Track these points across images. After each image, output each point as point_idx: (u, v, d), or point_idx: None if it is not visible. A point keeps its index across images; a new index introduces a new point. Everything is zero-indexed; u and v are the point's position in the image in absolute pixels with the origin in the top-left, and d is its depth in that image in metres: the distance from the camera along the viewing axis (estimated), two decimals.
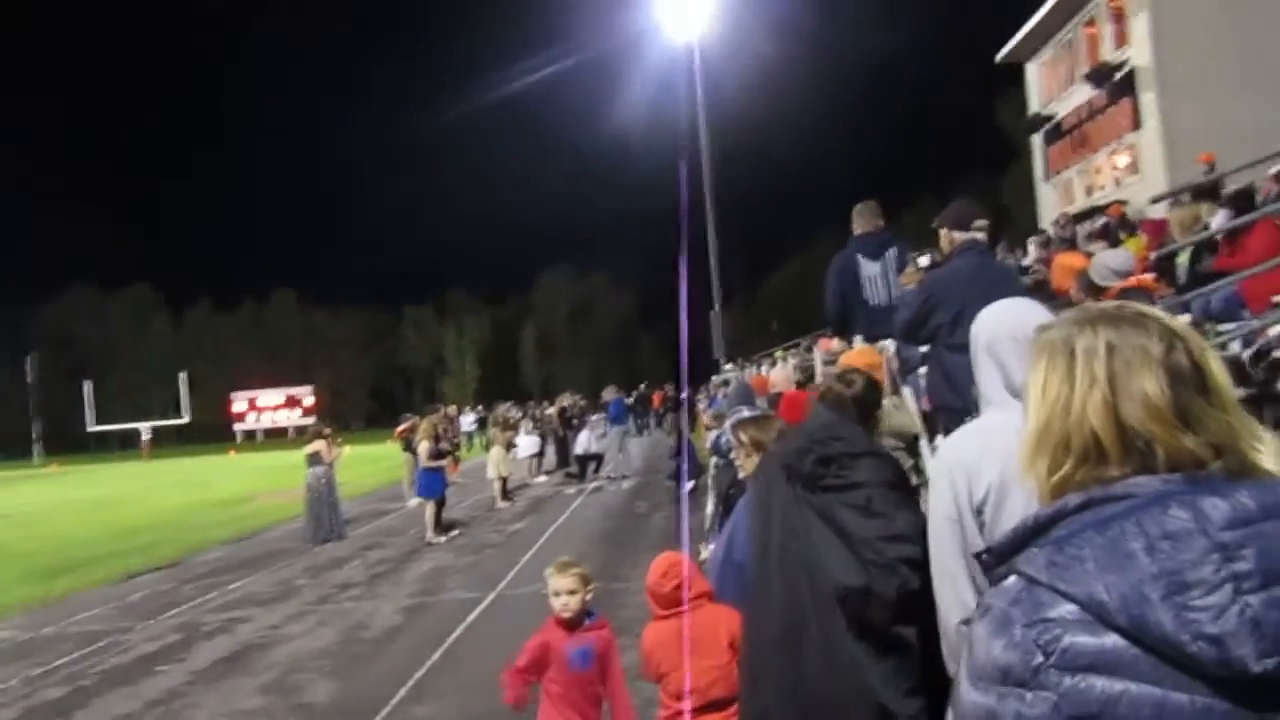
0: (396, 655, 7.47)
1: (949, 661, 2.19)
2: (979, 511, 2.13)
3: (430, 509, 13.44)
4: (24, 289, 76.97)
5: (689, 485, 15.76)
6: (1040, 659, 1.02)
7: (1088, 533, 1.06)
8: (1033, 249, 12.11)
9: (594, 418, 21.38)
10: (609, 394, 21.25)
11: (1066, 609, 1.03)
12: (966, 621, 2.09)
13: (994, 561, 1.16)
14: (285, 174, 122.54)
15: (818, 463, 2.61)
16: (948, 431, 2.42)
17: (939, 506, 2.19)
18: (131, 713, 6.57)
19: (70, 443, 70.24)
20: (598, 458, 19.96)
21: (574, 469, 20.21)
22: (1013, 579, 1.10)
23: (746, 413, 4.42)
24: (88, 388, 67.90)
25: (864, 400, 2.96)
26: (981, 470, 2.14)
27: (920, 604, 2.29)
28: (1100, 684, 1.00)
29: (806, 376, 7.56)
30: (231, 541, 14.98)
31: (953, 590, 2.15)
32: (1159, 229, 9.77)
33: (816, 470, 2.60)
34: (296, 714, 6.25)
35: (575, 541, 12.22)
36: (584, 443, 19.87)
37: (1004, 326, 2.26)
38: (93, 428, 68.47)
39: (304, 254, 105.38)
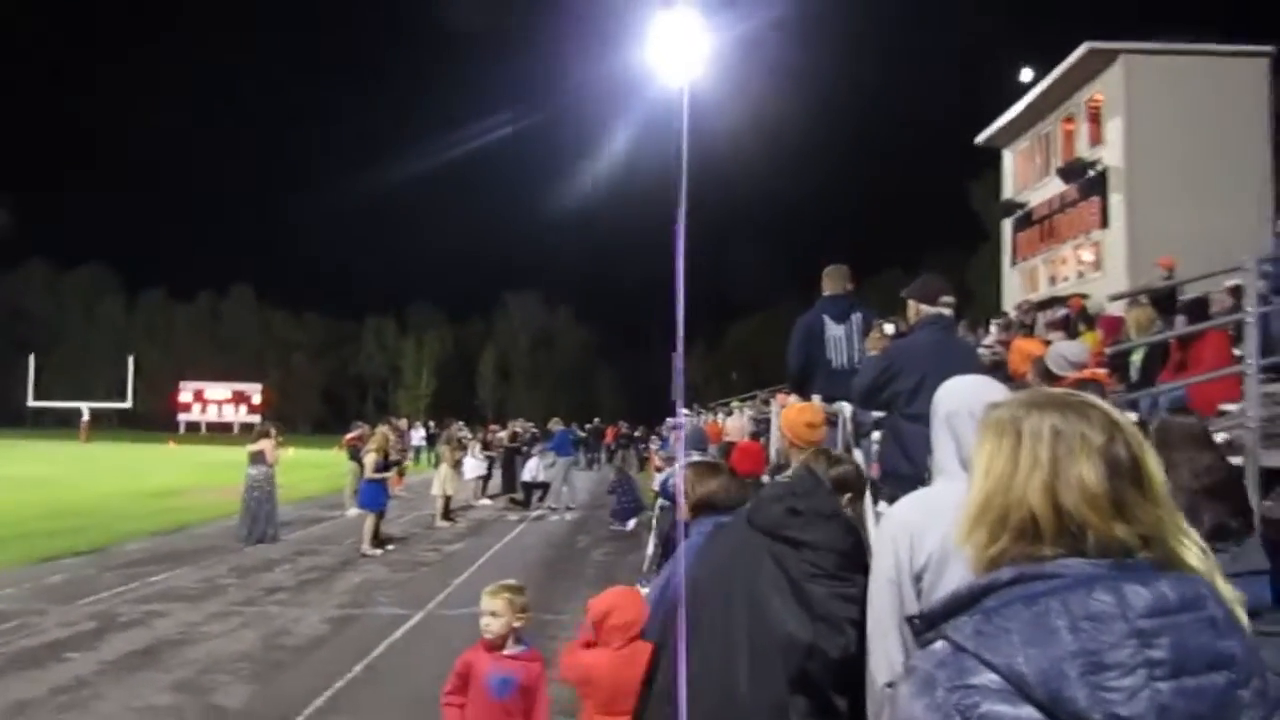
0: (317, 665, 7.31)
1: (869, 708, 2.22)
2: (918, 578, 2.16)
3: (370, 521, 13.27)
4: None
5: (630, 524, 15.86)
6: None
7: (1016, 606, 1.10)
8: (994, 330, 12.36)
9: (543, 446, 21.30)
10: (555, 424, 21.24)
11: (989, 678, 1.06)
12: (892, 684, 2.12)
13: (924, 626, 1.19)
14: (257, 173, 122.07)
15: (788, 513, 2.61)
16: (893, 499, 2.45)
17: (880, 568, 2.23)
18: (34, 699, 6.35)
19: (8, 417, 68.52)
20: (544, 486, 19.91)
21: (519, 495, 20.10)
22: (940, 644, 1.13)
23: (697, 457, 4.43)
24: (31, 362, 66.24)
25: (848, 483, 3.02)
26: (925, 538, 2.18)
27: (859, 671, 2.30)
28: None
29: (761, 428, 7.61)
30: (161, 533, 14.63)
31: (884, 650, 2.18)
32: (1115, 325, 10.03)
33: (784, 520, 2.61)
34: (207, 715, 6.08)
35: (513, 568, 12.10)
36: (532, 470, 19.87)
37: (964, 401, 2.31)
38: (32, 403, 66.86)
39: (267, 254, 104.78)
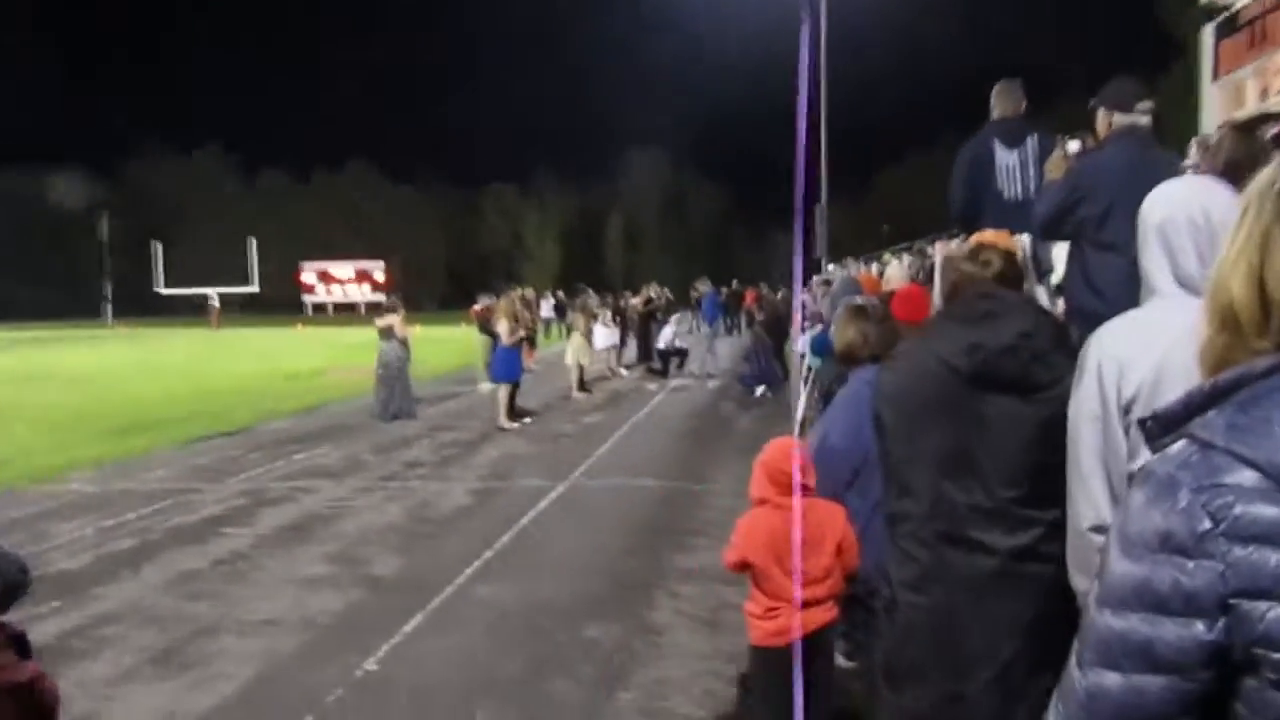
0: (465, 535, 7.72)
1: (1072, 570, 2.15)
2: (1126, 411, 2.04)
3: (503, 393, 13.72)
4: (100, 146, 79.82)
5: (759, 390, 16.03)
6: (1208, 525, 0.98)
7: (1277, 396, 1.01)
8: (1193, 151, 11.46)
9: (678, 314, 21.56)
10: (703, 286, 21.30)
11: (1245, 475, 0.98)
12: (1098, 529, 2.04)
13: (1159, 429, 1.10)
14: (371, 45, 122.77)
15: (1034, 362, 2.48)
16: (1082, 339, 2.30)
17: (1083, 404, 2.11)
18: (198, 569, 6.96)
19: (139, 305, 73.18)
20: (681, 353, 20.20)
21: (656, 364, 20.44)
22: (1181, 444, 1.05)
23: (859, 300, 4.31)
24: (158, 249, 70.14)
25: (1007, 278, 2.83)
26: (1134, 366, 2.04)
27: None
28: (1276, 558, 0.95)
29: (925, 276, 7.35)
30: (300, 413, 15.56)
31: (1086, 494, 2.09)
32: None
33: (1033, 373, 2.47)
34: (361, 584, 6.54)
35: (654, 438, 12.40)
36: (667, 337, 20.16)
37: (1181, 206, 2.11)
38: (161, 289, 70.93)
39: (385, 126, 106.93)
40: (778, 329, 18.32)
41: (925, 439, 2.55)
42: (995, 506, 2.44)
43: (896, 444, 2.64)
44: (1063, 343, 2.53)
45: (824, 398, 5.88)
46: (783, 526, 3.31)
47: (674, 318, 21.80)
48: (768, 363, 16.76)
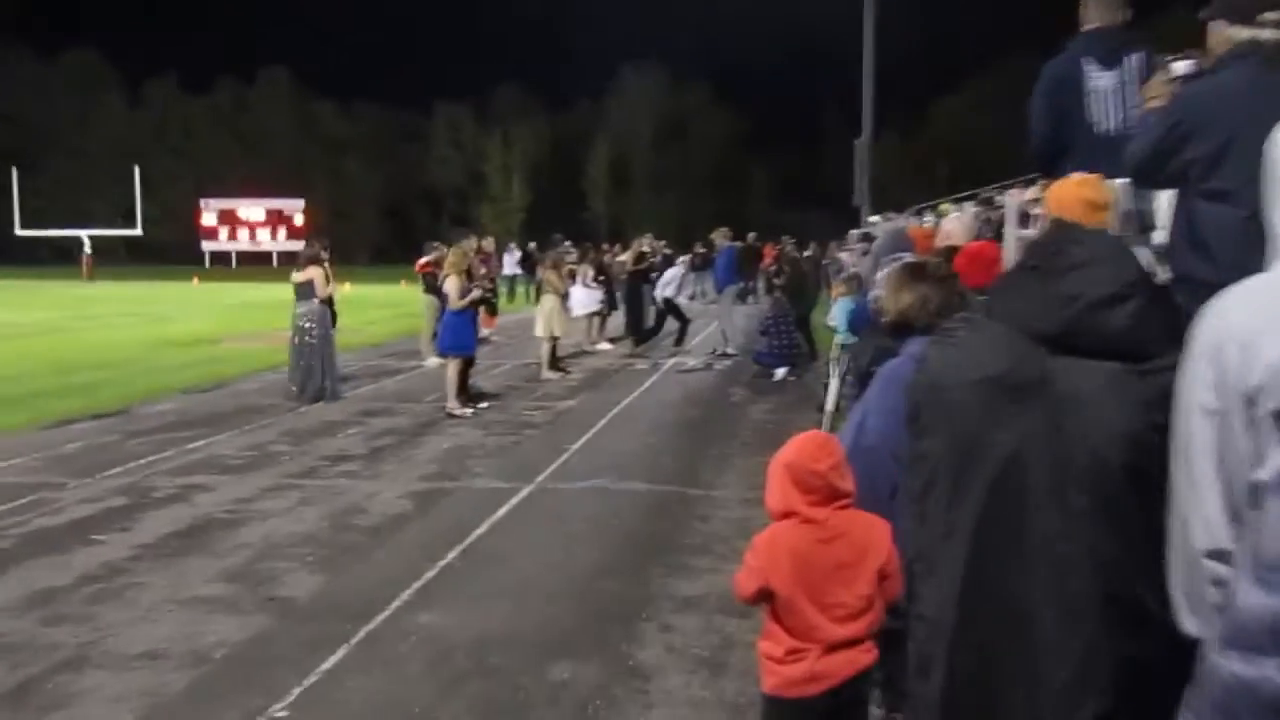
0: (401, 549, 7.72)
1: (1178, 605, 2.13)
2: (1251, 402, 2.02)
3: (453, 370, 13.69)
4: None
5: (780, 372, 16.10)
6: None
7: None
8: None
9: (682, 271, 21.63)
10: (720, 238, 21.27)
11: None
12: (1217, 555, 2.00)
13: None
14: None
15: (1144, 320, 2.45)
16: (1189, 313, 2.27)
17: (1194, 394, 2.08)
18: (61, 587, 6.94)
19: None
20: (681, 318, 20.45)
21: (649, 326, 20.86)
22: None
23: (909, 257, 4.31)
24: (13, 179, 69.00)
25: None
26: (1261, 346, 2.01)
27: None
28: None
29: (995, 231, 7.33)
30: (195, 390, 15.54)
31: (1198, 508, 2.05)
32: None
33: (1144, 333, 2.45)
34: (269, 609, 6.53)
35: (645, 431, 12.42)
36: (670, 285, 20.61)
37: None
38: (20, 232, 70.10)
39: (307, 28, 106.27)
40: (804, 295, 18.33)
41: (984, 438, 2.54)
42: (1073, 523, 2.43)
43: (937, 446, 2.64)
44: (1168, 308, 2.53)
45: (860, 381, 5.88)
46: (813, 546, 3.30)
47: (677, 266, 21.89)
48: (791, 337, 16.78)
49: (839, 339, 11.83)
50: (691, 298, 22.31)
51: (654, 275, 22.36)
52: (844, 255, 23.93)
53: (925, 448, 2.71)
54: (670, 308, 20.81)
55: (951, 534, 2.61)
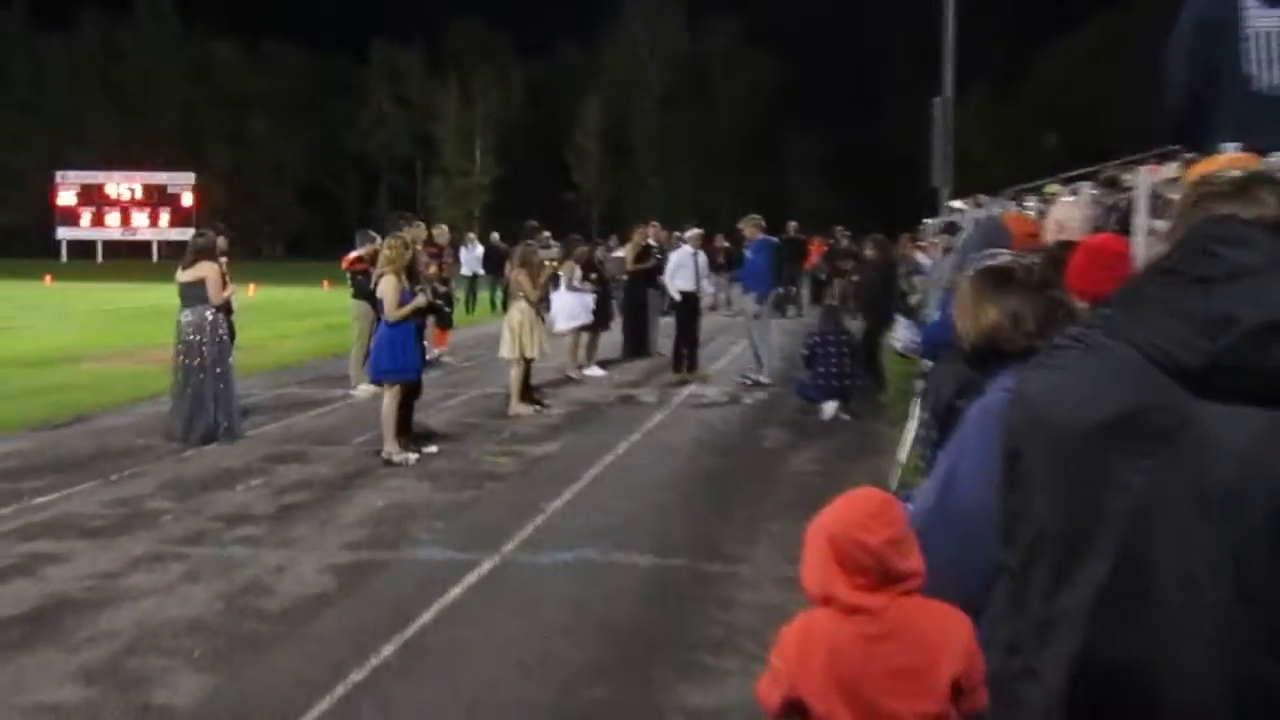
0: (319, 643, 7.69)
1: None
2: None
3: (392, 400, 13.65)
4: None
5: (829, 407, 16.07)
6: None
7: None
8: None
9: (685, 251, 21.62)
10: (750, 229, 21.17)
11: None
12: None
13: None
14: None
15: None
16: None
17: None
18: None
19: None
20: (686, 323, 20.47)
21: (655, 349, 20.76)
22: None
23: (1003, 256, 4.29)
24: None
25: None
26: None
27: None
28: None
29: (1118, 221, 7.30)
30: (45, 426, 15.52)
31: None
32: None
33: None
34: (140, 718, 6.49)
35: (648, 485, 12.42)
36: (681, 275, 20.64)
37: None
38: None
39: None
40: (873, 305, 18.33)
41: (1101, 498, 2.50)
42: (1212, 607, 2.40)
43: (1040, 506, 2.61)
44: None
45: (939, 422, 5.85)
46: (859, 644, 3.25)
47: (682, 248, 21.88)
48: (844, 362, 16.73)
49: (919, 365, 11.84)
50: (713, 307, 22.28)
51: (661, 276, 22.39)
52: (919, 255, 23.99)
53: (1023, 507, 2.68)
54: (685, 310, 20.87)
55: (1058, 621, 2.57)
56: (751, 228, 21.04)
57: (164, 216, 75.58)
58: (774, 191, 78.02)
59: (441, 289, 18.98)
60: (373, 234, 18.84)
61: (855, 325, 18.25)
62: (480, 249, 36.79)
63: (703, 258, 22.05)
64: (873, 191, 79.33)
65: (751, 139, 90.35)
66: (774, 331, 21.80)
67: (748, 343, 20.71)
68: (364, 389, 17.09)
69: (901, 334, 13.39)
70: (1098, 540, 2.51)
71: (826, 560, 3.31)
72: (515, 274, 17.90)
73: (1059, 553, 2.59)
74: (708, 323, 22.88)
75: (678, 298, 21.02)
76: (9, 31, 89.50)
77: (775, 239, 22.34)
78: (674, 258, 21.63)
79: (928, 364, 11.02)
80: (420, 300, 14.02)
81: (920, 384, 11.82)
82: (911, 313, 14.65)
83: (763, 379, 19.53)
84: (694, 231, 22.61)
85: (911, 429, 11.26)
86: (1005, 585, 2.77)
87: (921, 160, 27.67)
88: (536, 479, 12.71)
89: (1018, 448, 2.68)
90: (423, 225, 20.32)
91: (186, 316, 14.52)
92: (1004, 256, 4.57)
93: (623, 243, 27.90)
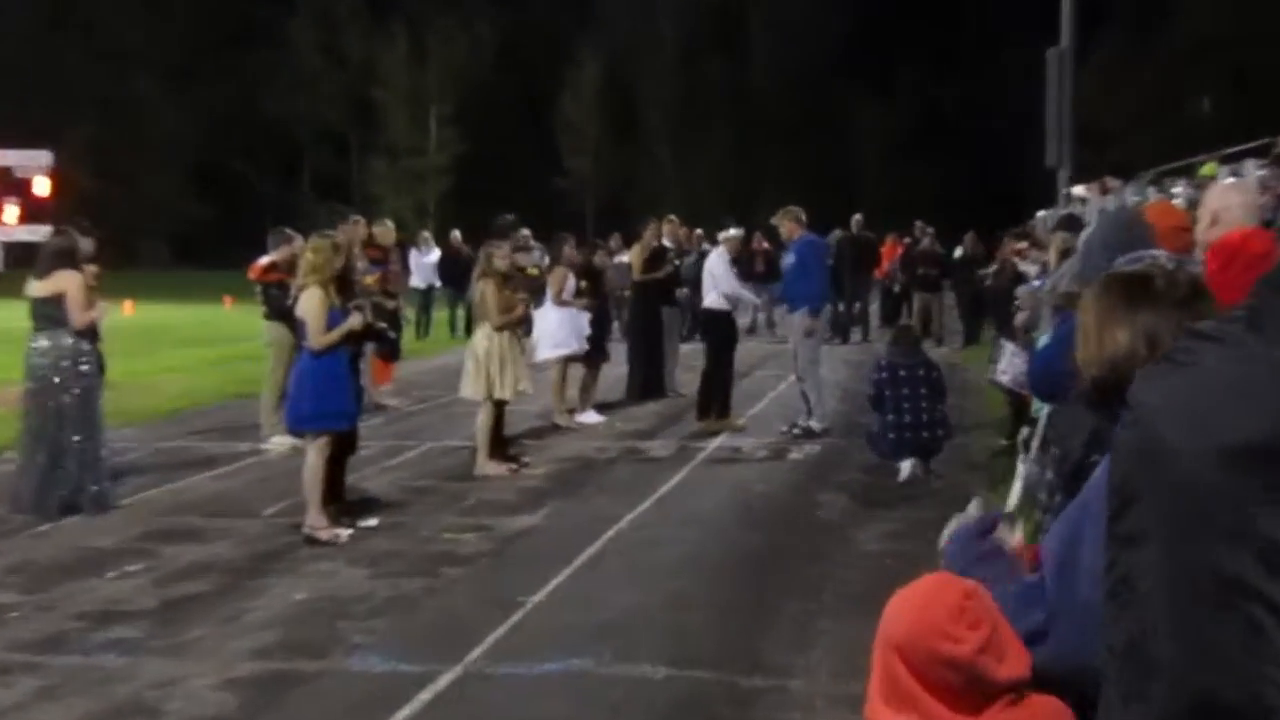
0: None
1: None
2: None
3: (318, 456, 13.61)
4: None
5: (906, 466, 16.02)
6: None
7: None
8: None
9: (721, 256, 21.47)
10: (787, 224, 21.08)
11: None
12: None
13: None
14: None
15: None
16: None
17: None
18: None
19: None
20: (718, 367, 20.37)
21: (676, 387, 20.69)
22: None
23: (1143, 260, 4.28)
24: None
25: None
26: None
27: None
28: None
29: None
30: None
31: None
32: None
33: None
34: None
35: (662, 570, 12.40)
36: (724, 289, 20.50)
37: None
38: None
39: None
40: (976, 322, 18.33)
41: (1235, 543, 2.47)
42: None
43: (1152, 555, 2.58)
44: None
45: (1067, 484, 5.84)
46: None
47: (717, 251, 21.71)
48: (926, 402, 16.66)
49: (1035, 406, 11.75)
50: (751, 329, 22.19)
51: (680, 290, 22.39)
52: (1028, 265, 23.75)
53: (1134, 568, 2.64)
54: (718, 335, 20.78)
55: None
56: (790, 223, 20.90)
57: (9, 210, 75.61)
58: (831, 176, 78.16)
59: (388, 305, 18.89)
60: (291, 233, 18.81)
61: (941, 352, 18.17)
62: (437, 253, 36.87)
63: (725, 259, 21.51)
64: (965, 175, 79.52)
65: (800, 106, 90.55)
66: (825, 362, 21.77)
67: (795, 378, 20.71)
68: (279, 441, 17.08)
69: (1008, 363, 13.27)
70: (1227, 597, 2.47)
71: (898, 676, 3.30)
72: (484, 284, 17.78)
73: (1178, 609, 2.55)
74: (744, 350, 22.77)
75: (701, 318, 20.87)
76: None
77: (823, 238, 22.37)
78: (714, 261, 21.31)
79: (1041, 405, 10.99)
80: (355, 322, 13.96)
81: (1026, 431, 11.74)
82: (1018, 336, 14.50)
83: (815, 426, 19.55)
84: (731, 233, 22.09)
85: (1016, 491, 11.15)
86: (1111, 674, 2.72)
87: (1031, 133, 27.76)
88: (512, 562, 12.72)
89: (1128, 484, 2.63)
90: (361, 221, 20.30)
91: (40, 344, 14.44)
92: (1143, 259, 4.55)
93: (628, 244, 27.80)
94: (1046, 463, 7.19)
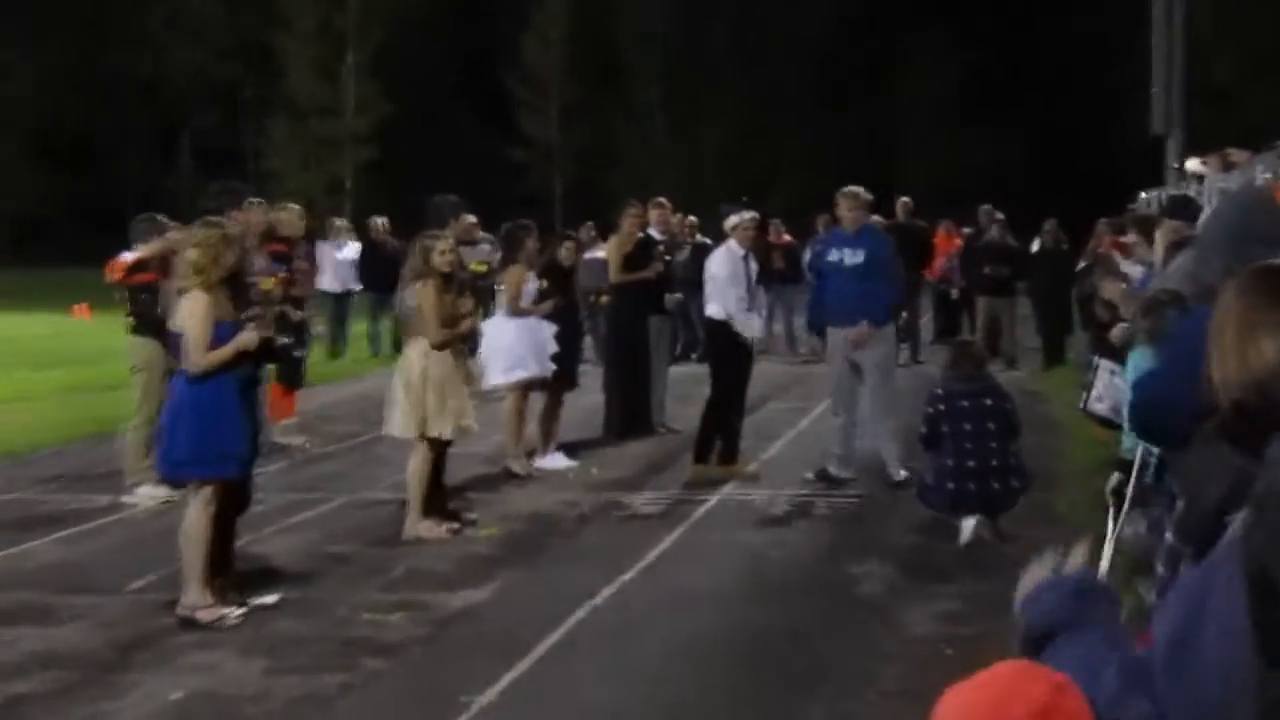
0: None
1: None
2: None
3: (200, 512, 13.62)
4: None
5: (968, 526, 16.00)
6: None
7: None
8: None
9: (730, 255, 21.41)
10: (849, 210, 21.04)
11: None
12: None
13: None
14: None
15: None
16: None
17: None
18: None
19: None
20: (727, 399, 20.34)
21: (665, 422, 20.70)
22: None
23: None
24: None
25: None
26: None
27: None
28: None
29: None
30: None
31: None
32: None
33: None
34: None
35: (650, 661, 12.41)
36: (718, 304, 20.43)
37: None
38: None
39: None
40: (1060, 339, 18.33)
41: None
42: None
43: None
44: None
45: (1197, 543, 5.90)
46: None
47: (721, 252, 21.63)
48: (994, 443, 16.68)
49: (1125, 446, 11.76)
50: (761, 348, 22.16)
51: (672, 295, 22.44)
52: (1132, 266, 23.57)
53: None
54: (726, 356, 20.74)
55: None
56: (854, 208, 20.72)
57: None
58: (869, 150, 78.36)
59: (293, 315, 18.88)
60: (165, 220, 18.77)
61: (1015, 377, 18.08)
62: (356, 246, 36.95)
63: (733, 257, 21.31)
64: (1042, 147, 79.67)
65: (833, 55, 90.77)
66: (856, 391, 21.75)
67: (834, 413, 20.73)
68: (149, 493, 17.09)
69: (1105, 388, 13.20)
70: None
71: None
72: (416, 290, 17.79)
73: None
74: (757, 374, 22.74)
75: (744, 328, 20.84)
76: None
77: (875, 221, 22.35)
78: (717, 263, 21.05)
79: (1134, 444, 10.98)
80: (249, 338, 13.98)
81: (1116, 478, 11.68)
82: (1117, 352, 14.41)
83: (845, 473, 19.57)
84: (745, 217, 21.78)
85: (1107, 557, 11.12)
86: None
87: (1130, 90, 27.82)
88: (453, 652, 12.75)
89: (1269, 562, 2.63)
90: (258, 205, 20.23)
91: None
92: None
93: (604, 236, 27.80)
94: (1153, 522, 7.23)
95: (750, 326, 20.60)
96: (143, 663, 12.34)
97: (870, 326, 19.57)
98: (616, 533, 17.17)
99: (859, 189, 20.44)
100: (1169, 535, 7.50)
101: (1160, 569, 7.55)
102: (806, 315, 24.66)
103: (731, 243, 21.15)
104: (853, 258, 20.06)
